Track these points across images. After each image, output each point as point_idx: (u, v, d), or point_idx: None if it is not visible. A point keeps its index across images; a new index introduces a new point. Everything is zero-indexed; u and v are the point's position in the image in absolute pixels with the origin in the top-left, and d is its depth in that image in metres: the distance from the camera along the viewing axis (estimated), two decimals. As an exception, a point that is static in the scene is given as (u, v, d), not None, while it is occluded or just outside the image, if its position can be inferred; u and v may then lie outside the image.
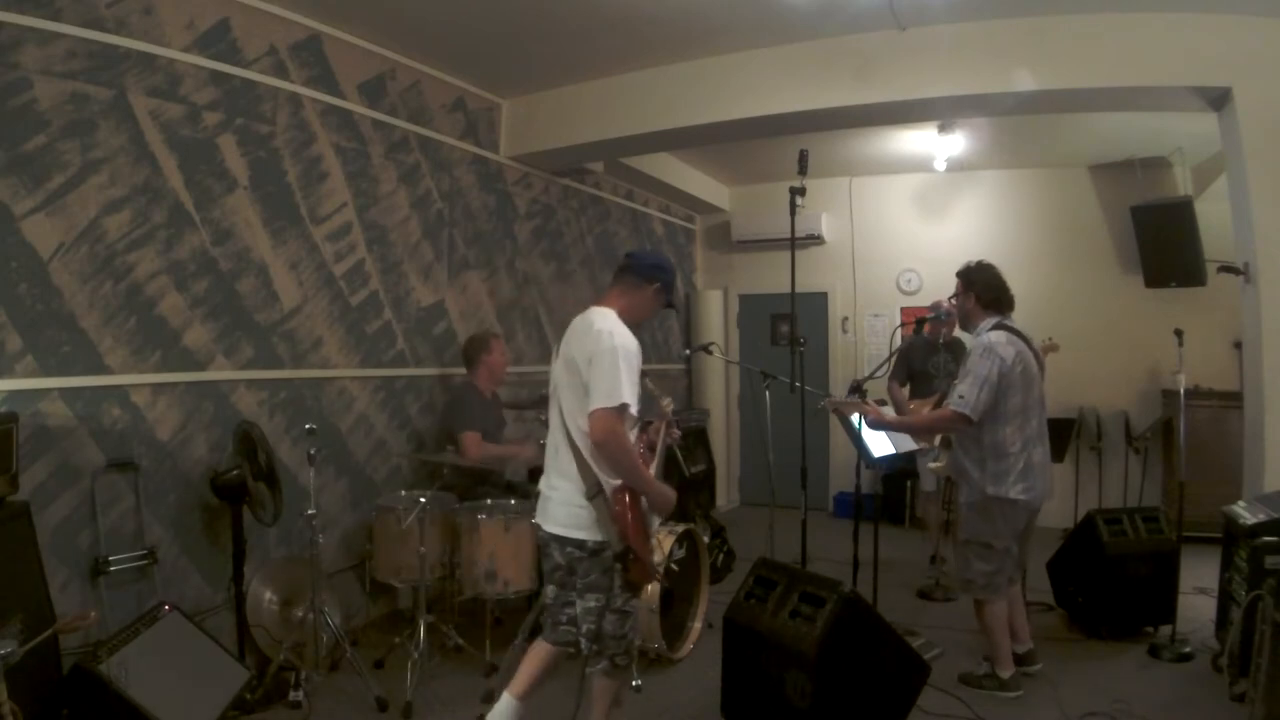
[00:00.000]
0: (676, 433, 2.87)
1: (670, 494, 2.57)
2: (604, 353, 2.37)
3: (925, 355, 5.01)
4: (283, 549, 3.80)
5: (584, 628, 2.47)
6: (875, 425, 3.58)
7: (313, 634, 3.34)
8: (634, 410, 2.40)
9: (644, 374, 2.53)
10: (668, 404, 2.82)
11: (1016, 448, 3.23)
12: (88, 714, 2.50)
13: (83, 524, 3.04)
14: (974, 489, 3.32)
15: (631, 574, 2.41)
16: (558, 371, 2.56)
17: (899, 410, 4.86)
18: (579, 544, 2.44)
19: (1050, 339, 4.56)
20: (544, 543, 2.59)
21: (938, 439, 4.33)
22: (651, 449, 2.69)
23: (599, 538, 2.41)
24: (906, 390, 5.11)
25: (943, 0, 3.80)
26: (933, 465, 4.57)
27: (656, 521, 2.64)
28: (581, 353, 2.43)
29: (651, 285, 2.61)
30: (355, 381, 4.26)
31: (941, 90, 4.14)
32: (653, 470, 2.62)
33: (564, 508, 2.47)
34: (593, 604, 2.44)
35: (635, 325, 2.59)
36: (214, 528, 3.48)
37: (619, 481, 2.40)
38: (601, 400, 2.33)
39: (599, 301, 2.63)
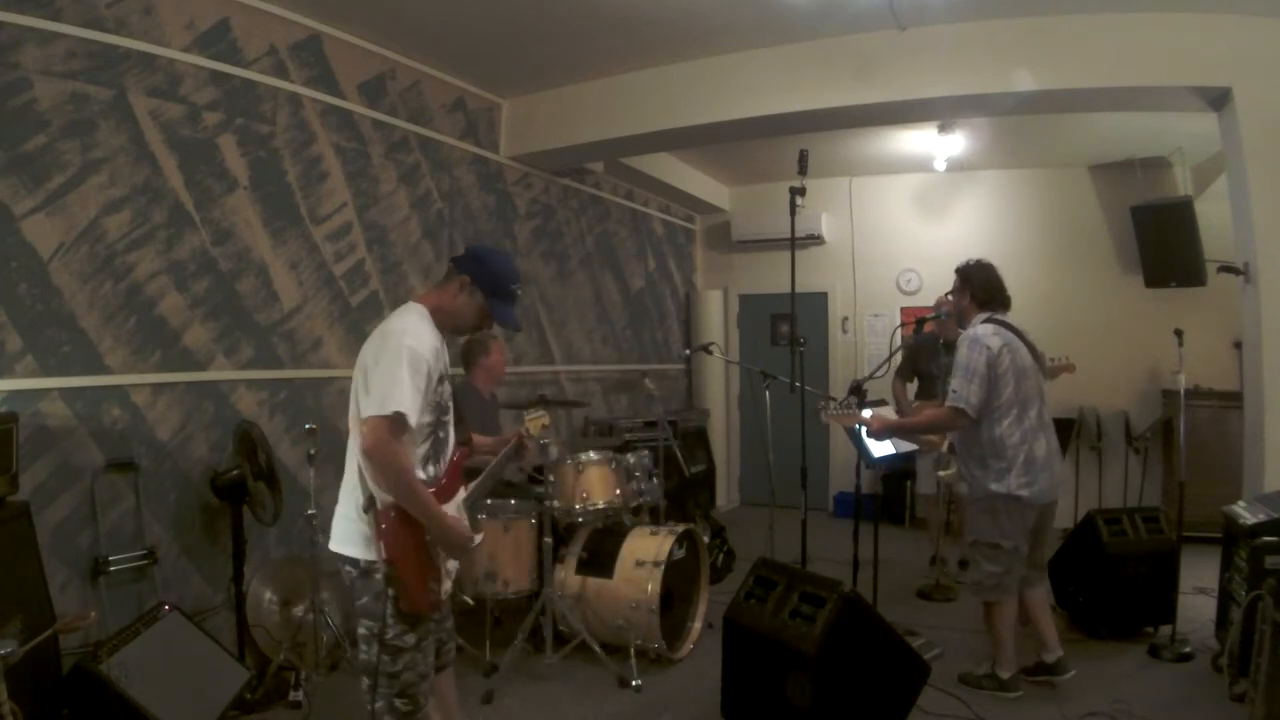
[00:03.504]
0: (535, 452, 2.44)
1: (456, 529, 2.18)
2: (388, 353, 2.12)
3: (932, 356, 4.77)
4: (283, 549, 3.80)
5: (360, 656, 2.19)
6: (877, 435, 3.54)
7: (313, 634, 3.35)
8: (414, 420, 2.10)
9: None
10: (542, 420, 2.46)
11: (1015, 440, 3.21)
12: (88, 714, 2.50)
13: (83, 524, 3.04)
14: (977, 487, 3.31)
15: (402, 603, 2.11)
16: (355, 373, 2.27)
17: (900, 408, 4.79)
18: (353, 562, 2.17)
19: (1062, 358, 4.09)
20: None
21: (946, 444, 4.30)
22: (454, 468, 2.33)
23: (370, 557, 2.13)
24: (912, 388, 5.00)
25: (943, 0, 3.81)
26: (942, 473, 4.53)
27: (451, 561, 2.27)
28: (370, 353, 2.19)
29: (458, 279, 2.28)
30: (355, 381, 4.26)
31: (941, 90, 4.15)
32: (461, 494, 2.31)
33: (341, 522, 2.23)
34: (363, 630, 2.17)
35: (455, 331, 2.35)
36: (214, 528, 3.48)
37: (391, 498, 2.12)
38: (374, 407, 2.06)
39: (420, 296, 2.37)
